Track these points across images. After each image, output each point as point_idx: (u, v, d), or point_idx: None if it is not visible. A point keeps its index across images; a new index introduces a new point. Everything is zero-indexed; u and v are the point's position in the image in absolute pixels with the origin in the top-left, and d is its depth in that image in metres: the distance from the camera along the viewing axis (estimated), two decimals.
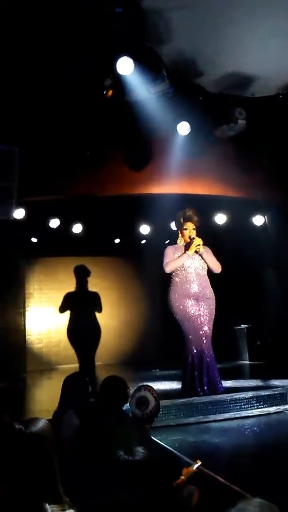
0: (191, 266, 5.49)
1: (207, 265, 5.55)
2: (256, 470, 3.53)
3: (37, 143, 5.48)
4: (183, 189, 6.35)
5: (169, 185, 6.20)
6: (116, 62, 4.91)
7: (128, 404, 3.17)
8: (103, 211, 7.20)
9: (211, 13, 4.70)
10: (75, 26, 4.59)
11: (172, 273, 5.52)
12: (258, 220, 7.41)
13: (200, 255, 5.52)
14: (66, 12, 4.41)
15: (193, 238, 5.44)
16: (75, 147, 5.60)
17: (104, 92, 5.09)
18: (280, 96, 5.90)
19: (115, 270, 9.62)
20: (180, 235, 5.63)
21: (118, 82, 5.12)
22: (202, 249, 5.47)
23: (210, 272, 5.61)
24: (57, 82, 5.06)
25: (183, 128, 5.71)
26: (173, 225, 7.79)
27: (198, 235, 5.55)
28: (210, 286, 5.57)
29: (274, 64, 5.49)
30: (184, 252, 5.46)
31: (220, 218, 7.32)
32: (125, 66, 4.93)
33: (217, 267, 5.58)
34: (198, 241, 5.43)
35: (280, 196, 6.86)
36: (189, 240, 5.49)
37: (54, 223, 7.43)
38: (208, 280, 5.58)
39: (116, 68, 4.94)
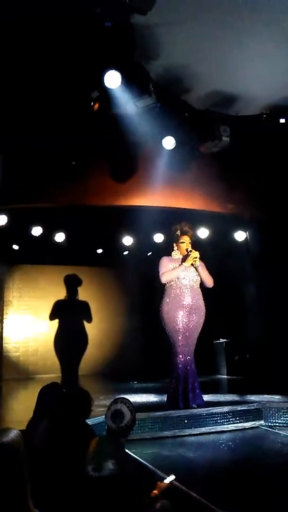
0: (185, 278, 5.54)
1: (200, 279, 5.60)
2: (229, 485, 3.53)
3: (22, 151, 5.49)
4: (166, 202, 6.41)
5: (152, 198, 6.26)
6: (104, 75, 4.97)
7: (104, 417, 3.15)
8: (86, 221, 7.21)
9: (201, 31, 4.80)
10: (65, 38, 4.63)
11: (166, 284, 5.56)
12: (240, 235, 7.50)
13: (195, 268, 5.56)
14: (57, 24, 4.45)
15: (191, 251, 5.50)
16: (61, 156, 5.62)
17: (91, 104, 5.13)
18: (264, 116, 6.03)
19: (96, 280, 9.60)
20: (176, 248, 5.66)
21: (105, 95, 5.17)
22: (198, 262, 5.51)
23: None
24: (44, 91, 5.08)
25: (168, 142, 5.79)
26: (156, 237, 7.87)
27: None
28: (202, 299, 5.62)
29: (259, 85, 5.62)
30: (181, 264, 5.49)
31: (203, 232, 7.39)
32: (112, 79, 4.98)
33: (210, 281, 5.63)
34: (195, 254, 5.48)
35: (262, 214, 6.97)
36: (186, 253, 5.53)
37: (37, 231, 7.40)
38: (201, 293, 5.62)
39: (103, 81, 4.99)
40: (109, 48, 4.88)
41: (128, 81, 5.05)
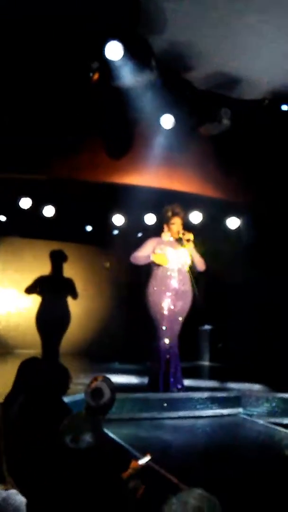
0: (173, 262, 5.46)
1: (192, 262, 5.52)
2: (203, 469, 3.54)
3: (14, 119, 5.32)
4: (161, 182, 6.31)
5: (147, 177, 6.15)
6: (105, 46, 4.82)
7: (83, 394, 3.12)
8: (77, 196, 7.07)
9: (209, 8, 4.66)
10: (69, 6, 4.46)
11: (153, 266, 5.48)
12: (233, 222, 7.43)
13: (187, 251, 5.48)
14: None
15: (184, 233, 5.41)
16: (55, 127, 5.46)
17: (90, 75, 4.98)
18: (266, 101, 5.93)
19: (83, 258, 9.48)
20: (166, 229, 5.56)
21: (106, 66, 5.04)
22: (191, 245, 5.43)
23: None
24: (42, 58, 4.91)
25: (167, 121, 5.67)
26: (147, 218, 7.77)
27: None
28: (189, 283, 5.55)
29: (263, 69, 5.52)
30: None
31: (195, 217, 7.30)
32: (114, 51, 4.87)
33: (202, 265, 5.57)
34: (190, 235, 5.40)
35: (256, 201, 6.90)
36: (177, 235, 5.45)
37: (25, 203, 7.24)
38: (189, 277, 5.55)
39: (104, 52, 4.85)
40: (113, 18, 4.74)
41: (130, 54, 4.92)
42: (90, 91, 5.23)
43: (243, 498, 2.89)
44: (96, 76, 5.01)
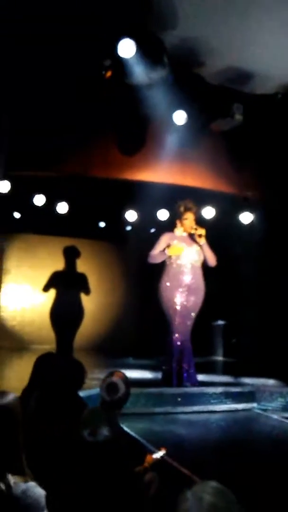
0: (186, 257, 5.49)
1: (203, 257, 5.54)
2: (218, 462, 3.55)
3: (29, 116, 5.37)
4: (174, 178, 6.31)
5: (159, 173, 6.15)
6: (118, 43, 4.83)
7: (98, 389, 3.16)
8: (90, 193, 7.10)
9: (219, 5, 4.64)
10: (81, 3, 4.47)
11: (166, 262, 5.51)
12: (245, 217, 7.41)
13: (199, 246, 5.51)
14: None
15: (196, 228, 5.44)
16: (68, 124, 5.49)
17: (103, 72, 5.00)
18: (279, 96, 5.88)
19: (97, 254, 9.54)
20: (179, 224, 5.59)
21: (118, 64, 5.04)
22: (204, 240, 5.46)
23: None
24: (55, 55, 4.93)
25: (179, 117, 5.66)
26: (160, 214, 7.79)
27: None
28: (202, 278, 5.58)
29: (277, 63, 5.46)
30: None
31: (208, 212, 7.29)
32: (126, 48, 4.87)
33: (213, 260, 5.59)
34: (202, 230, 5.42)
35: (269, 197, 6.87)
36: (189, 230, 5.47)
37: (39, 200, 7.30)
38: (201, 273, 5.58)
39: (117, 49, 4.85)
40: (125, 16, 4.74)
41: (142, 51, 4.92)
42: (103, 89, 5.24)
43: (257, 492, 2.91)
44: (109, 73, 5.02)
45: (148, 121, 5.80)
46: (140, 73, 5.02)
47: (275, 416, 5.06)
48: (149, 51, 4.98)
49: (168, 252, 5.44)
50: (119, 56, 4.91)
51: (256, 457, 3.76)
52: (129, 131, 5.74)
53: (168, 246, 5.48)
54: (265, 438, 4.42)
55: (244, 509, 1.17)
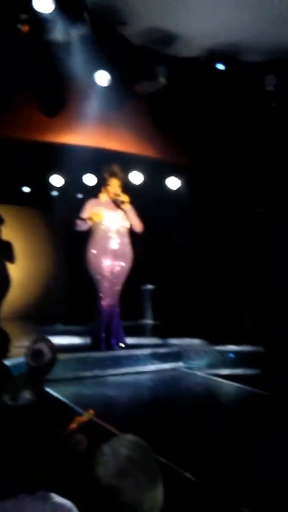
0: (112, 223, 5.44)
1: (129, 223, 5.52)
2: (146, 420, 3.68)
3: None
4: (98, 142, 6.18)
5: (83, 136, 5.99)
6: None
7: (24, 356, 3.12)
8: (11, 156, 6.78)
9: None
10: None
11: (92, 227, 5.44)
12: (172, 182, 7.45)
13: (124, 212, 5.46)
14: None
15: (119, 194, 5.38)
16: None
17: (19, 26, 4.71)
18: (202, 59, 5.88)
19: (22, 220, 9.23)
20: (103, 190, 5.50)
21: (36, 18, 4.77)
22: (128, 206, 5.42)
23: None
24: None
25: (102, 77, 5.51)
26: (86, 179, 7.64)
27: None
28: (128, 244, 5.58)
29: (200, 25, 5.42)
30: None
31: (136, 177, 7.25)
32: (43, 2, 4.61)
33: (139, 226, 5.58)
34: (125, 197, 5.37)
35: (194, 161, 6.94)
36: (113, 196, 5.41)
37: None
38: (128, 238, 5.57)
39: (32, 3, 4.59)
40: None
41: (60, 5, 4.69)
42: (19, 44, 4.95)
43: (178, 444, 3.06)
44: (25, 28, 4.74)
45: (69, 81, 5.58)
46: (59, 29, 4.80)
47: (200, 373, 5.29)
48: (68, 6, 4.76)
49: (87, 219, 5.37)
50: (36, 11, 4.66)
51: (180, 411, 3.95)
52: (50, 91, 5.50)
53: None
54: (190, 394, 4.64)
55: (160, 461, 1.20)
